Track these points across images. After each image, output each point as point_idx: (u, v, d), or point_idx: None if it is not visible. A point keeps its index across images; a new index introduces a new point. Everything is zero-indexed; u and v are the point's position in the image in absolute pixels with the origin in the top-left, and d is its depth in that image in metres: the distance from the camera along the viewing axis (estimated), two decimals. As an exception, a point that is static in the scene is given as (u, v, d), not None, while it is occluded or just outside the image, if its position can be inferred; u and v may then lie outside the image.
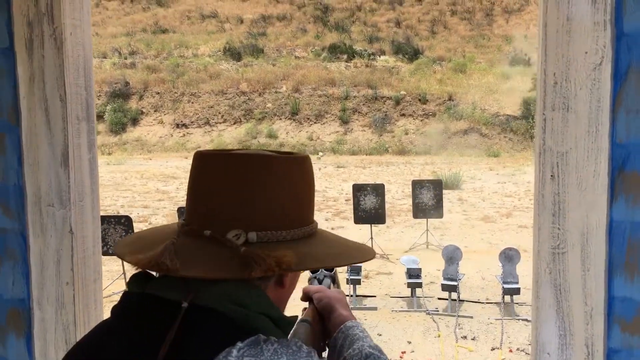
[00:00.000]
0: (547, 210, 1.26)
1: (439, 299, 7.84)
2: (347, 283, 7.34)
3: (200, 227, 0.93)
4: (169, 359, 0.84)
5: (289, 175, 0.97)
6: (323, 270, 1.41)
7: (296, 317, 1.00)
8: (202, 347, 0.85)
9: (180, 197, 16.96)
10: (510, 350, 6.31)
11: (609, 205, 1.23)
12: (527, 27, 40.10)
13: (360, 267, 7.71)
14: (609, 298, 1.24)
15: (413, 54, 36.39)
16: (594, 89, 1.22)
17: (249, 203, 0.93)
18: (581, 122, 1.23)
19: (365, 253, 1.04)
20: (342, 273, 7.72)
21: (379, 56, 36.75)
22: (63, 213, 1.55)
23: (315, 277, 1.40)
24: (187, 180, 1.03)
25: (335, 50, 36.99)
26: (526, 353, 6.25)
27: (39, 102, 1.54)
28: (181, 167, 23.38)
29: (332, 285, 1.37)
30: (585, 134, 1.23)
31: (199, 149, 0.98)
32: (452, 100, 30.07)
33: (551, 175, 1.25)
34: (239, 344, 0.84)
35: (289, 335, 0.96)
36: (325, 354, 1.22)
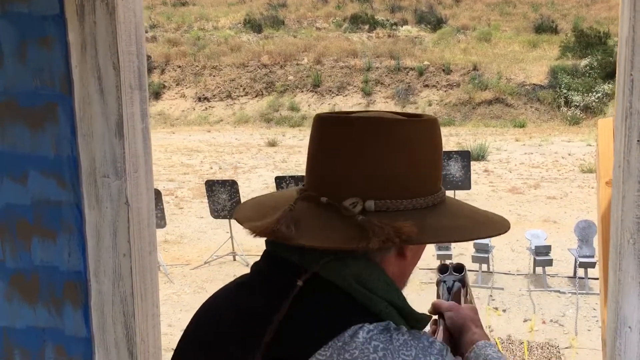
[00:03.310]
0: (632, 177, 1.19)
1: (469, 270, 7.79)
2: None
3: (318, 193, 0.90)
4: (284, 324, 0.83)
5: (411, 139, 0.89)
6: (452, 272, 1.29)
7: (424, 315, 0.93)
8: (324, 320, 0.81)
9: (205, 170, 17.02)
10: (544, 322, 6.25)
11: (700, 172, 1.16)
12: (554, -6, 39.03)
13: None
14: (697, 269, 1.18)
15: (436, 23, 35.71)
16: (687, 47, 1.13)
17: (367, 170, 0.88)
18: (672, 83, 1.15)
19: (496, 226, 0.94)
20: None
21: (402, 26, 36.15)
22: (118, 184, 1.52)
23: (443, 281, 1.28)
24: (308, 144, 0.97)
25: (356, 21, 36.46)
26: (560, 324, 6.19)
27: (92, 70, 1.49)
28: (204, 141, 23.40)
29: (462, 289, 1.26)
30: (676, 96, 1.15)
31: (319, 112, 0.94)
32: (477, 70, 29.53)
33: (638, 140, 1.18)
34: (368, 326, 0.80)
35: None
36: None
